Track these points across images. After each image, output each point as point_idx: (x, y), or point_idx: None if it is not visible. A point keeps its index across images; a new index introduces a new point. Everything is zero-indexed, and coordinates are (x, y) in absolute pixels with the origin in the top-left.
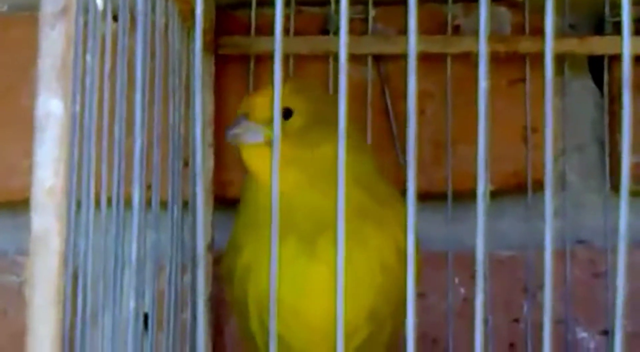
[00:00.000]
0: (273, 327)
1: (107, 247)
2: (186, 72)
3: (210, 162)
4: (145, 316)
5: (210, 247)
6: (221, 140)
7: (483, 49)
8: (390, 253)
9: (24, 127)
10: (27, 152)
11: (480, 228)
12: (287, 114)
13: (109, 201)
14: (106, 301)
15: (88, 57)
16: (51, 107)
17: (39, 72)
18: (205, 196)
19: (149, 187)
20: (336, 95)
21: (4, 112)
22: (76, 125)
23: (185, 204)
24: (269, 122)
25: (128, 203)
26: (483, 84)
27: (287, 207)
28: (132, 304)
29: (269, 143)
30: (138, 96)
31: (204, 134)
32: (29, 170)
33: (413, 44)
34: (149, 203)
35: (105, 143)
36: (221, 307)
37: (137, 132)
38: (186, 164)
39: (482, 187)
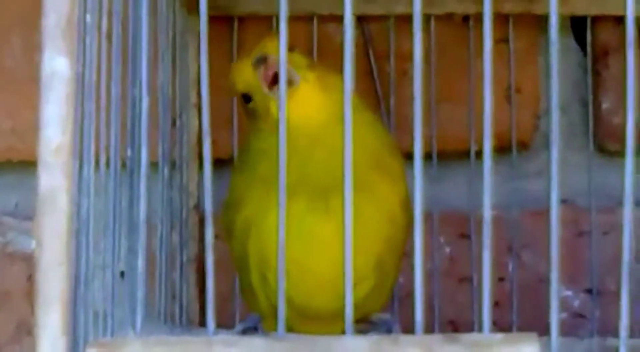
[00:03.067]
0: (282, 285)
1: (107, 206)
2: (172, 32)
3: (195, 122)
4: (122, 273)
5: (196, 207)
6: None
7: (488, 9)
8: (396, 204)
9: (5, 88)
10: (8, 113)
11: (487, 186)
12: (310, 63)
13: (107, 160)
14: (105, 259)
15: (88, 17)
16: (57, 66)
17: (43, 31)
18: (191, 156)
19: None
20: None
21: None
22: (79, 86)
23: (173, 164)
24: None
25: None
26: (488, 44)
27: (306, 154)
28: (140, 262)
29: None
30: (144, 56)
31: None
32: (10, 132)
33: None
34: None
35: (103, 103)
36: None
37: (144, 92)
38: (174, 123)
39: (488, 147)
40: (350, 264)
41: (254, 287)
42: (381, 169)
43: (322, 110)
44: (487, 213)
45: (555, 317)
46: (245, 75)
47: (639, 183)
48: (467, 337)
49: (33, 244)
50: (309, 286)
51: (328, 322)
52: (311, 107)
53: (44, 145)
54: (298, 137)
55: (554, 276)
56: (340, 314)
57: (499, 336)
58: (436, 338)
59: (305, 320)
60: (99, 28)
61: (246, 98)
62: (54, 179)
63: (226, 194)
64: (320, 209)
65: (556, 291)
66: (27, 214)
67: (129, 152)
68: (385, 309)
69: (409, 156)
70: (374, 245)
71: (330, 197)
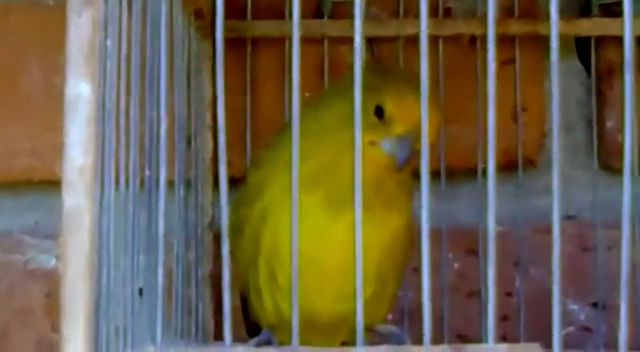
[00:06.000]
0: (295, 295)
1: (126, 225)
2: (187, 56)
3: (210, 143)
4: (140, 290)
5: (211, 225)
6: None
7: (491, 32)
8: (398, 220)
9: (25, 110)
10: (28, 135)
11: (491, 204)
12: None
13: (127, 180)
14: (125, 277)
15: (109, 42)
16: (80, 90)
17: (67, 57)
18: (206, 175)
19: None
20: None
21: (5, 96)
22: (100, 108)
23: (188, 183)
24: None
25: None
26: (492, 66)
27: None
28: (160, 278)
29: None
30: (162, 80)
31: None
32: (30, 152)
33: (424, 24)
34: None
35: (122, 125)
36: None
37: (163, 114)
38: (189, 144)
39: (491, 165)
40: (360, 271)
41: (261, 290)
42: (388, 194)
43: None
44: (491, 224)
45: (557, 328)
46: (411, 114)
47: None
48: (472, 347)
49: (52, 261)
50: (314, 287)
51: (329, 332)
52: None
53: (69, 166)
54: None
55: (556, 288)
56: (341, 322)
57: (504, 346)
58: (443, 349)
59: (307, 330)
60: (119, 53)
61: (379, 112)
62: (77, 198)
63: (238, 193)
64: (332, 211)
65: (558, 302)
66: (46, 233)
67: (147, 172)
68: (395, 324)
69: (417, 174)
70: (374, 253)
71: (342, 201)
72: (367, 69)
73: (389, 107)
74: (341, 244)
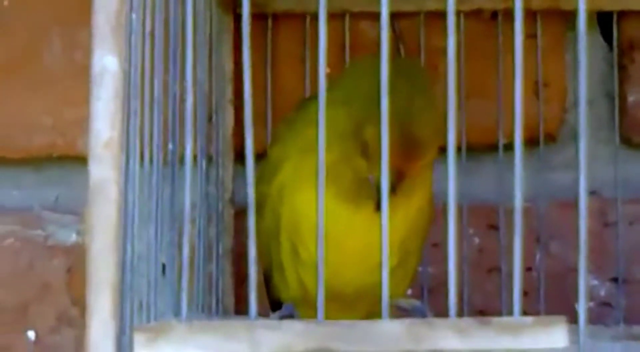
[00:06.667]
0: (321, 272)
1: (150, 200)
2: (209, 31)
3: (230, 118)
4: (163, 266)
5: (232, 200)
6: (241, 97)
7: (519, 5)
8: (422, 195)
9: (45, 86)
10: (49, 110)
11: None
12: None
13: (151, 155)
14: (150, 251)
15: (133, 15)
16: (106, 63)
17: (93, 29)
18: (226, 151)
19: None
20: None
21: (26, 72)
22: (126, 82)
23: (209, 159)
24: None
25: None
26: (519, 38)
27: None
28: (185, 253)
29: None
30: (189, 54)
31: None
32: (51, 128)
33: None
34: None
35: (147, 99)
36: (242, 261)
37: (189, 90)
38: (210, 119)
39: (518, 139)
40: (387, 244)
41: (283, 264)
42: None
43: None
44: (518, 200)
45: (583, 302)
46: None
47: None
48: (498, 320)
49: (73, 237)
50: (338, 260)
51: (351, 304)
52: None
53: (95, 139)
54: None
55: (582, 261)
56: (364, 294)
57: (530, 319)
58: (469, 321)
59: (329, 303)
60: (144, 26)
61: (364, 150)
62: (104, 171)
63: (259, 169)
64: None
65: (584, 277)
66: (67, 208)
67: (170, 147)
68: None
69: (441, 149)
70: (399, 226)
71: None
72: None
73: (371, 148)
74: (366, 220)
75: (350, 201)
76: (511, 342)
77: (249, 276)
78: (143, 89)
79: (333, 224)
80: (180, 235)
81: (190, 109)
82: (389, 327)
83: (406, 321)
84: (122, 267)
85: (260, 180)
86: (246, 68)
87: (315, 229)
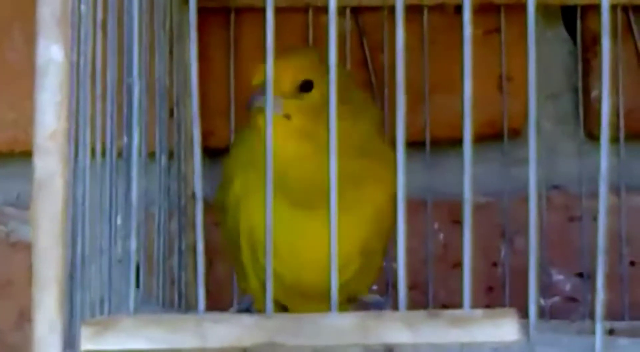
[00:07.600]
0: (269, 266)
1: (102, 193)
2: (169, 24)
3: (192, 112)
4: (137, 266)
5: (194, 195)
6: (204, 92)
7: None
8: (383, 197)
9: (8, 81)
10: (12, 105)
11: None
12: (306, 86)
13: (103, 147)
14: (102, 244)
15: (83, 7)
16: (51, 54)
17: (37, 20)
18: (189, 145)
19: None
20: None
21: None
22: (73, 74)
23: (171, 153)
24: (289, 94)
25: (118, 151)
26: (467, 31)
27: (281, 175)
28: (133, 245)
29: (287, 116)
30: (135, 44)
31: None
32: (13, 123)
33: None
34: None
35: (99, 92)
36: (208, 253)
37: (135, 80)
38: (171, 114)
39: (467, 133)
40: (335, 246)
41: (244, 265)
42: (369, 159)
43: (302, 143)
44: (467, 192)
45: (532, 294)
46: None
47: (628, 168)
48: (448, 313)
49: None
50: (299, 265)
51: (321, 300)
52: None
53: (40, 131)
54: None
55: (533, 255)
56: (328, 293)
57: (479, 311)
58: (419, 314)
59: (299, 298)
60: (94, 18)
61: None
62: (49, 163)
63: (223, 169)
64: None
65: (534, 267)
66: (28, 204)
67: (125, 140)
68: (379, 294)
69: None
70: (359, 231)
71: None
72: None
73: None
74: (323, 224)
75: (305, 207)
76: (461, 335)
77: (197, 270)
78: (94, 81)
79: (289, 231)
80: (129, 229)
81: (137, 97)
82: (338, 321)
83: (355, 314)
84: (72, 262)
85: (221, 187)
86: (193, 61)
87: (276, 243)
